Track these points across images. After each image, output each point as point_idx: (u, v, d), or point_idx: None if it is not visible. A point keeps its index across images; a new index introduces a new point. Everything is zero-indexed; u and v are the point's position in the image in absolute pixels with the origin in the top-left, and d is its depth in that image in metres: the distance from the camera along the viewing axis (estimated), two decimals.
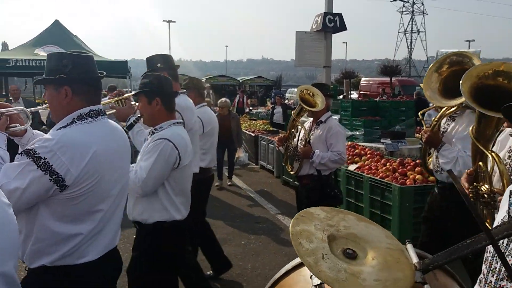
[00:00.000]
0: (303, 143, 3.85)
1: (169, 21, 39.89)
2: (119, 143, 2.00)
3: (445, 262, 1.19)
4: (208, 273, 4.10)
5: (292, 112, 3.97)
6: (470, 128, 2.16)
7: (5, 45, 16.39)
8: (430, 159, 3.18)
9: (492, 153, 2.04)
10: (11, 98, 8.23)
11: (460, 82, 1.96)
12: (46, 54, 7.89)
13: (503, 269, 1.11)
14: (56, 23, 10.93)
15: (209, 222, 5.89)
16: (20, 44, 10.48)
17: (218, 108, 7.55)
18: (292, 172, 3.98)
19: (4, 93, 10.71)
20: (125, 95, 3.37)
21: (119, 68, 9.97)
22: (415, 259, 1.26)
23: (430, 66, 2.77)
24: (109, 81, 18.60)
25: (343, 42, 59.08)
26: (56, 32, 10.56)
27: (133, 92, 3.13)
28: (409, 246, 1.33)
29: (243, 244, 5.04)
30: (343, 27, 8.29)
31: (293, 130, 4.00)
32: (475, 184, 2.16)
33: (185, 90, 3.67)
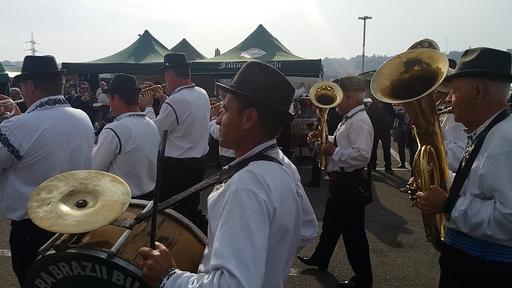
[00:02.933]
0: (326, 139, 3.84)
1: (365, 18, 39.12)
2: (73, 126, 2.53)
3: (148, 216, 1.58)
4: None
5: (317, 109, 4.06)
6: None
7: (217, 52, 18.76)
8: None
9: (423, 147, 2.01)
10: (220, 96, 9.37)
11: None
12: (250, 57, 8.57)
13: None
14: (260, 28, 11.90)
15: (403, 227, 5.55)
16: (229, 49, 11.83)
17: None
18: (322, 169, 3.94)
19: (215, 93, 12.24)
20: (152, 87, 4.28)
21: (312, 67, 10.20)
22: (144, 211, 1.66)
23: None
24: (301, 80, 19.33)
25: None
26: (259, 36, 11.51)
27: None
28: (150, 203, 1.73)
29: (432, 252, 4.55)
30: None
31: (319, 126, 3.95)
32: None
33: (193, 85, 3.99)
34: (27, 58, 2.56)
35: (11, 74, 15.54)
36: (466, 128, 2.03)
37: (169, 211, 1.77)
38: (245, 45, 11.23)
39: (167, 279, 1.29)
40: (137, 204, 1.81)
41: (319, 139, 3.88)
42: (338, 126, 3.86)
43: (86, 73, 12.83)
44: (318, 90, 3.97)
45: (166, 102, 3.77)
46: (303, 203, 1.65)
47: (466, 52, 1.98)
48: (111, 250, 1.44)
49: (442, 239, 2.12)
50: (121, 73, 3.37)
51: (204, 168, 4.08)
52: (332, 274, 4.17)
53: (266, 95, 1.41)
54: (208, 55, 15.45)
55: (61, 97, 2.56)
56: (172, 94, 3.88)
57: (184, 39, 15.47)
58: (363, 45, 39.93)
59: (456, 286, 1.98)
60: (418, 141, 2.16)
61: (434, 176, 2.10)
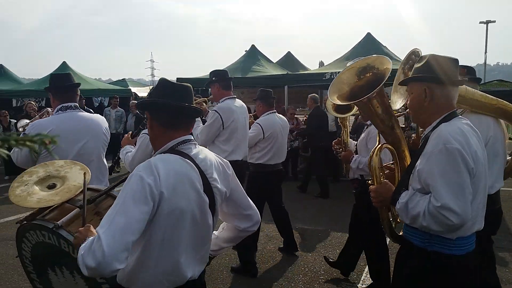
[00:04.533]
0: (346, 147, 3.83)
1: (487, 22, 35.44)
2: (79, 127, 3.05)
3: (96, 197, 2.08)
4: None
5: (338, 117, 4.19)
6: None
7: (321, 64, 18.57)
8: None
9: (378, 146, 2.31)
10: (325, 108, 9.14)
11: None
12: None
13: None
14: (368, 36, 11.39)
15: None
16: (334, 59, 11.53)
17: None
18: (347, 176, 3.98)
19: (318, 104, 11.91)
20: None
21: None
22: (96, 195, 2.11)
23: None
24: None
25: None
26: (368, 44, 11.00)
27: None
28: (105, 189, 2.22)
29: None
30: None
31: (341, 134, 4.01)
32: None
33: (234, 96, 4.46)
34: (51, 76, 3.25)
35: (133, 90, 17.22)
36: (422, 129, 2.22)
37: (116, 192, 2.12)
38: (351, 55, 10.78)
39: (84, 245, 1.54)
40: (97, 189, 2.24)
41: (341, 145, 3.96)
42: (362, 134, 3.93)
43: (198, 87, 13.59)
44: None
45: (214, 110, 4.27)
46: (236, 198, 1.99)
47: (420, 59, 2.13)
48: (57, 223, 1.86)
49: (400, 233, 2.28)
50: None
51: (244, 169, 4.52)
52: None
53: (150, 97, 1.70)
54: (313, 68, 15.32)
55: (73, 104, 3.12)
56: (218, 103, 4.40)
57: (288, 52, 15.57)
58: (485, 52, 36.11)
59: (403, 275, 2.09)
60: (377, 139, 2.43)
61: (395, 173, 2.34)
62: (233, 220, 2.05)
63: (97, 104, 14.11)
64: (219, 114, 4.18)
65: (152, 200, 1.54)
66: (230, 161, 4.10)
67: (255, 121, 4.86)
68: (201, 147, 1.87)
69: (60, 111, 3.07)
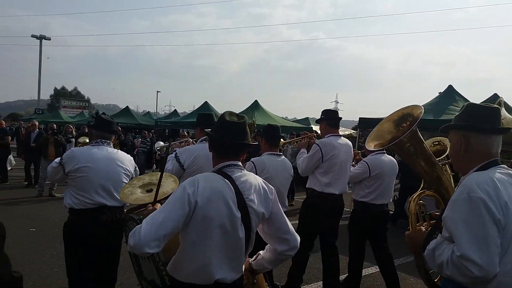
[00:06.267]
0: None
1: None
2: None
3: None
4: None
5: None
6: None
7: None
8: None
9: (418, 192, 2.42)
10: None
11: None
12: None
13: None
14: None
15: None
16: None
17: None
18: None
19: None
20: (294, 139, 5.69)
21: None
22: None
23: None
24: None
25: None
26: None
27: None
28: None
29: None
30: None
31: None
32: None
33: (340, 134, 4.82)
34: (198, 115, 4.13)
35: (315, 128, 17.53)
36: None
37: None
38: None
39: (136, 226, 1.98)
40: None
41: None
42: None
43: None
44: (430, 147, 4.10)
45: (316, 143, 4.67)
46: (276, 221, 2.22)
47: (461, 108, 2.13)
48: (141, 216, 2.25)
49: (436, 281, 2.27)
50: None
51: (340, 204, 4.74)
52: None
53: (211, 131, 2.24)
54: None
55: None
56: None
57: (495, 94, 13.35)
58: None
59: None
60: (422, 185, 2.55)
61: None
62: (272, 241, 2.27)
63: None
64: (319, 147, 4.55)
65: (188, 206, 1.92)
66: (326, 193, 4.66)
67: (363, 159, 5.05)
68: (247, 172, 2.20)
69: (204, 141, 3.91)
